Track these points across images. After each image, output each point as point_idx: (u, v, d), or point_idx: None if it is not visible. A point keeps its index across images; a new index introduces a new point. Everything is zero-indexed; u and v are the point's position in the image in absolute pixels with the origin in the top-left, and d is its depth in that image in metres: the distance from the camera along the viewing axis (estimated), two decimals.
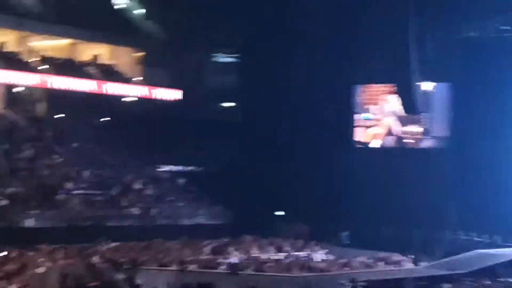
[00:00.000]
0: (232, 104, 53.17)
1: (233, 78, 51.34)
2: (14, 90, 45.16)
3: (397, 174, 40.61)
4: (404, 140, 44.56)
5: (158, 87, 47.65)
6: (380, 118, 45.68)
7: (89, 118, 48.06)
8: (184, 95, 48.05)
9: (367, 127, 46.01)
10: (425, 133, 43.82)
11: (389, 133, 45.22)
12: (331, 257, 34.56)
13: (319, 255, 34.80)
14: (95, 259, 28.34)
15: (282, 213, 45.28)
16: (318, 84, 45.16)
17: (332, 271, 31.00)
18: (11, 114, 45.14)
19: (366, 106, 46.09)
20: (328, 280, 28.28)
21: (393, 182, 40.13)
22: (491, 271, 29.38)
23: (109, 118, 49.16)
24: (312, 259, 33.70)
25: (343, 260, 33.05)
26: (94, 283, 23.54)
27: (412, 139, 44.34)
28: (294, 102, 45.24)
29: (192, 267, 29.42)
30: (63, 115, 46.99)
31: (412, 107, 43.70)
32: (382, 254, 34.72)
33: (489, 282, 27.51)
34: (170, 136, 44.99)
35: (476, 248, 34.50)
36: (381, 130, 45.62)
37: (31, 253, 29.15)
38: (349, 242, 40.70)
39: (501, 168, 38.82)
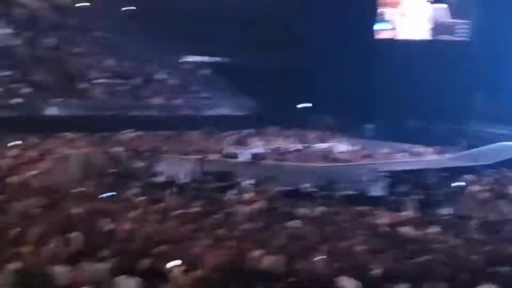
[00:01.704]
0: None
1: None
2: None
3: (422, 67, 39.72)
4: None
5: None
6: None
7: (113, 7, 47.41)
8: None
9: None
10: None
11: None
12: (354, 148, 34.35)
13: (342, 147, 34.61)
14: (116, 147, 28.45)
15: (307, 105, 44.94)
16: None
17: (355, 162, 30.88)
18: (34, 2, 44.62)
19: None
20: (350, 170, 28.07)
21: (418, 75, 39.32)
22: None
23: (133, 7, 48.46)
24: (335, 150, 33.55)
25: (367, 152, 32.89)
26: (113, 169, 23.76)
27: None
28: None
29: (213, 156, 29.36)
30: (87, 3, 46.41)
31: None
32: (406, 146, 34.50)
33: None
34: (197, 27, 44.25)
35: (500, 140, 34.10)
36: None
37: (53, 141, 29.39)
38: (373, 134, 40.37)
39: None
